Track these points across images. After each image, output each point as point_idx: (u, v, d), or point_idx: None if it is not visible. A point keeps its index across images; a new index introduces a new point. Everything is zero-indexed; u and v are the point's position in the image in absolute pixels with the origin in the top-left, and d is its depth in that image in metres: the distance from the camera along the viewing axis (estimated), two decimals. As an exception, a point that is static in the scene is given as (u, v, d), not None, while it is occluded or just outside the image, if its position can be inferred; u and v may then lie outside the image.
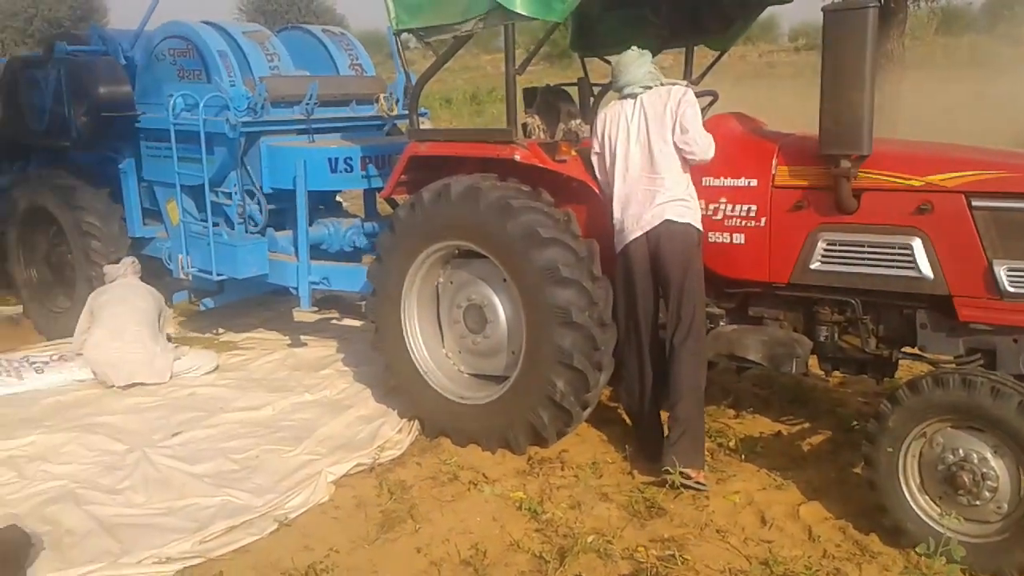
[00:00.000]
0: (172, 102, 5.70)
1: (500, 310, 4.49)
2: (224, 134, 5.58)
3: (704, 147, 4.05)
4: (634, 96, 4.18)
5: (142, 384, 5.37)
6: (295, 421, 4.87)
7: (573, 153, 4.48)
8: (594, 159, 4.39)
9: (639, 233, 4.11)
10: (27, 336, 6.72)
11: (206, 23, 6.07)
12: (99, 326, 5.44)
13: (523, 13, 4.06)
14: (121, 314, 5.46)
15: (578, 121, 5.22)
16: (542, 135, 4.99)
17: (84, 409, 5.03)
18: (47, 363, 5.60)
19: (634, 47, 4.26)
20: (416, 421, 4.77)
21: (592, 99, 5.52)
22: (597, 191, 4.41)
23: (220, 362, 5.91)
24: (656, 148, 4.08)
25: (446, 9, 4.38)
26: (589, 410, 4.40)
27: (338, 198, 7.02)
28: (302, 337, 6.48)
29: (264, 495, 3.94)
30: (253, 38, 6.06)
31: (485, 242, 4.33)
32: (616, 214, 4.22)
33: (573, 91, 5.42)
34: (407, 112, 4.88)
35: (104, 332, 5.39)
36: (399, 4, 4.59)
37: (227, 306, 6.57)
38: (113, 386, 5.34)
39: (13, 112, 6.58)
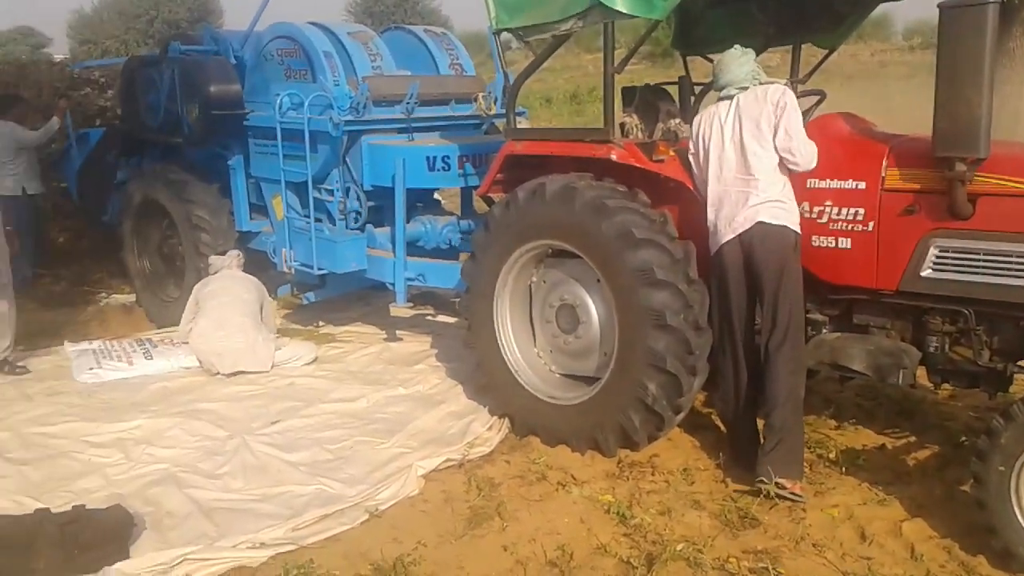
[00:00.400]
0: (279, 101, 5.87)
1: (593, 310, 4.45)
2: (327, 132, 5.73)
3: (807, 157, 3.91)
4: (731, 97, 4.08)
5: (244, 372, 5.55)
6: (388, 414, 4.95)
7: (671, 153, 4.41)
8: (691, 160, 4.31)
9: (732, 236, 4.01)
10: (139, 324, 7.04)
11: (313, 24, 6.24)
12: (204, 316, 5.65)
13: (623, 11, 4.01)
14: (225, 304, 5.65)
15: (677, 121, 5.12)
16: (640, 135, 4.92)
17: (189, 395, 5.23)
18: (156, 349, 5.86)
19: (737, 45, 4.15)
20: (506, 419, 4.78)
21: (693, 98, 5.41)
22: (694, 192, 4.33)
23: (319, 354, 6.06)
24: (750, 150, 3.96)
25: (545, 8, 4.37)
26: (682, 415, 4.32)
27: (436, 195, 7.11)
28: (398, 332, 6.58)
29: (356, 485, 4.02)
30: (357, 38, 6.19)
31: (579, 242, 4.30)
32: (710, 216, 4.13)
33: (673, 90, 5.32)
34: (505, 111, 4.88)
35: (209, 322, 5.60)
36: (499, 4, 4.60)
37: (328, 300, 6.75)
38: (217, 374, 5.53)
39: (130, 110, 6.91)
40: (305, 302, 6.47)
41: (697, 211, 4.29)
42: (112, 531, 3.24)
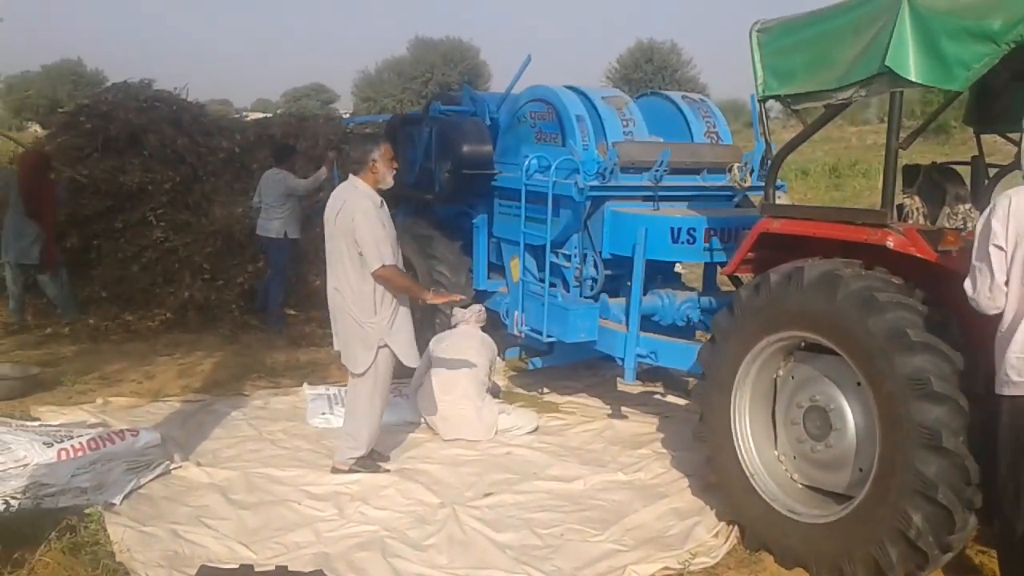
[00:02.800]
0: (527, 163, 5.80)
1: (849, 417, 3.87)
2: (571, 197, 5.57)
3: None
4: None
5: (479, 412, 5.45)
6: (604, 501, 4.59)
7: (961, 244, 3.77)
8: (992, 252, 3.33)
9: None
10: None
11: (568, 88, 6.16)
12: (434, 376, 5.61)
13: (916, 80, 3.50)
14: (455, 368, 5.58)
15: (968, 206, 4.47)
16: (922, 220, 4.32)
17: (409, 452, 5.19)
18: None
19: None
20: (735, 527, 4.26)
21: (987, 181, 4.69)
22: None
23: (542, 423, 5.85)
24: None
25: (823, 74, 3.94)
26: (950, 555, 3.61)
27: (678, 268, 6.74)
28: (623, 408, 6.23)
29: (562, 581, 3.69)
30: (611, 103, 6.03)
31: (839, 338, 3.76)
32: (1016, 342, 3.25)
33: (964, 171, 4.66)
34: (762, 184, 4.45)
35: (437, 383, 5.55)
36: (769, 69, 4.23)
37: (558, 367, 6.56)
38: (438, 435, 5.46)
39: (391, 165, 7.16)
40: (531, 367, 6.30)
41: (989, 316, 3.62)
42: (310, 596, 3.13)
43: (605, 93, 6.15)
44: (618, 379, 5.54)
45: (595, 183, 5.58)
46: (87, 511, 3.82)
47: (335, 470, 4.73)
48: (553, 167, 5.57)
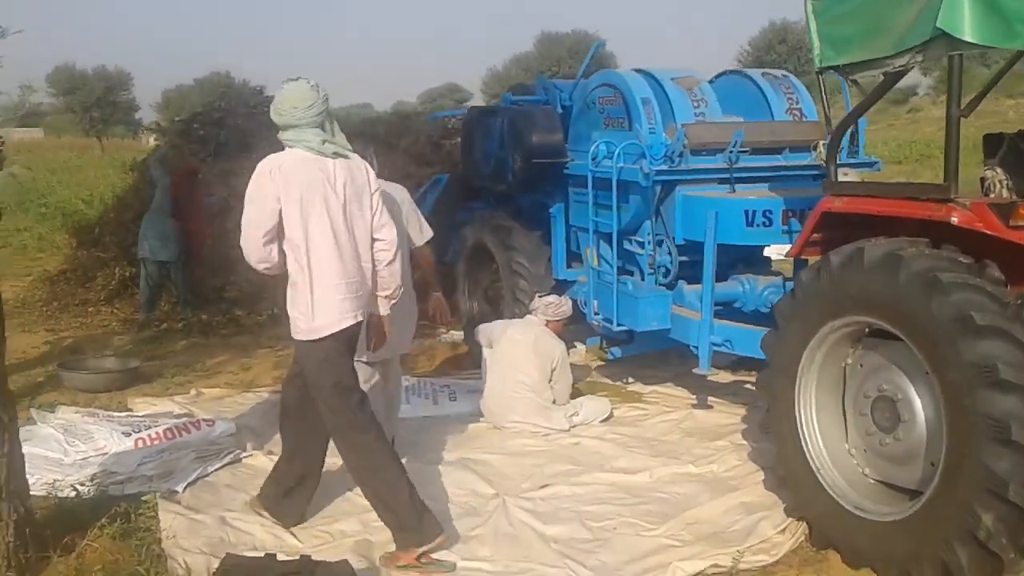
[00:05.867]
0: (593, 149, 5.69)
1: (919, 408, 3.58)
2: (637, 182, 5.42)
3: None
4: None
5: (537, 425, 5.37)
6: (668, 495, 4.45)
7: (1040, 217, 3.42)
8: None
9: None
10: (462, 362, 7.23)
11: (637, 70, 6.00)
12: (490, 365, 5.58)
13: (974, 41, 3.21)
14: (510, 357, 5.51)
15: (1062, 176, 4.04)
16: (1006, 192, 3.95)
17: (474, 442, 5.20)
18: (461, 391, 5.93)
19: None
20: (804, 524, 4.03)
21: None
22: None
23: (619, 414, 5.73)
24: None
25: (878, 41, 3.68)
26: (1030, 559, 3.29)
27: (769, 253, 6.44)
28: (709, 398, 6.02)
29: (606, 576, 3.60)
30: (681, 84, 5.82)
31: (903, 322, 3.49)
32: None
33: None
34: (825, 161, 4.19)
35: (491, 372, 5.52)
36: (825, 38, 3.99)
37: (643, 355, 6.40)
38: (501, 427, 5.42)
39: (468, 157, 7.19)
40: (611, 357, 6.18)
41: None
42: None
43: (675, 74, 5.94)
44: (694, 369, 5.34)
45: (663, 167, 5.41)
46: (144, 498, 4.02)
47: None
48: (616, 152, 5.44)
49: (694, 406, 5.91)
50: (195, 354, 7.38)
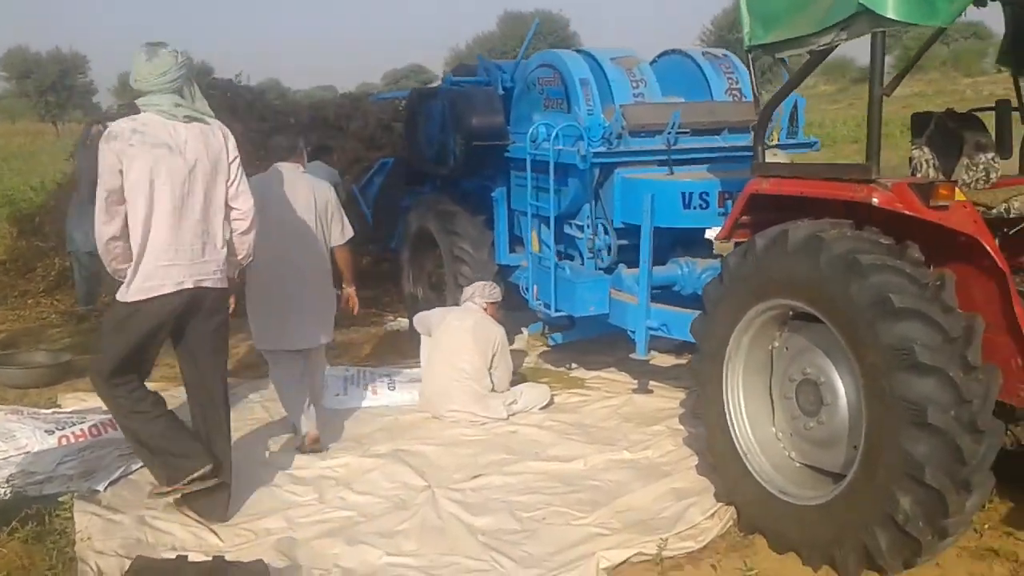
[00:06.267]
0: (531, 131, 5.59)
1: (841, 391, 3.56)
2: (575, 165, 5.34)
3: None
4: None
5: (475, 415, 5.30)
6: (601, 482, 4.40)
7: (960, 198, 3.39)
8: None
9: None
10: (405, 350, 7.13)
11: (577, 51, 5.91)
12: (429, 353, 5.50)
13: (895, 18, 3.16)
14: (448, 345, 5.44)
15: (990, 156, 4.04)
16: (932, 172, 3.93)
17: (411, 432, 5.11)
18: (400, 381, 5.84)
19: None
20: (733, 509, 4.00)
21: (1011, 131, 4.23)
22: (992, 251, 3.29)
23: (560, 400, 5.68)
24: None
25: (803, 18, 3.61)
26: (950, 540, 3.29)
27: (709, 235, 6.40)
28: (650, 383, 5.98)
29: (529, 568, 3.54)
30: (620, 64, 5.74)
31: (823, 305, 3.46)
32: None
33: (988, 118, 4.20)
34: (752, 142, 4.13)
35: (431, 361, 5.46)
36: (755, 15, 3.91)
37: (588, 340, 6.34)
38: (439, 416, 5.35)
39: (411, 140, 7.07)
40: (551, 343, 6.12)
41: (994, 276, 3.25)
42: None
43: (615, 54, 5.86)
44: (631, 355, 5.30)
45: (601, 149, 5.33)
46: (61, 499, 3.89)
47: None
48: (552, 135, 5.35)
49: (634, 391, 5.88)
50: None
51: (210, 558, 3.23)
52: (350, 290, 5.32)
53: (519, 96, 6.25)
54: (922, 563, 3.36)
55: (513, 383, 5.72)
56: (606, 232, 5.58)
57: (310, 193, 4.90)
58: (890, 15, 3.15)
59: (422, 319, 5.83)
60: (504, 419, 5.30)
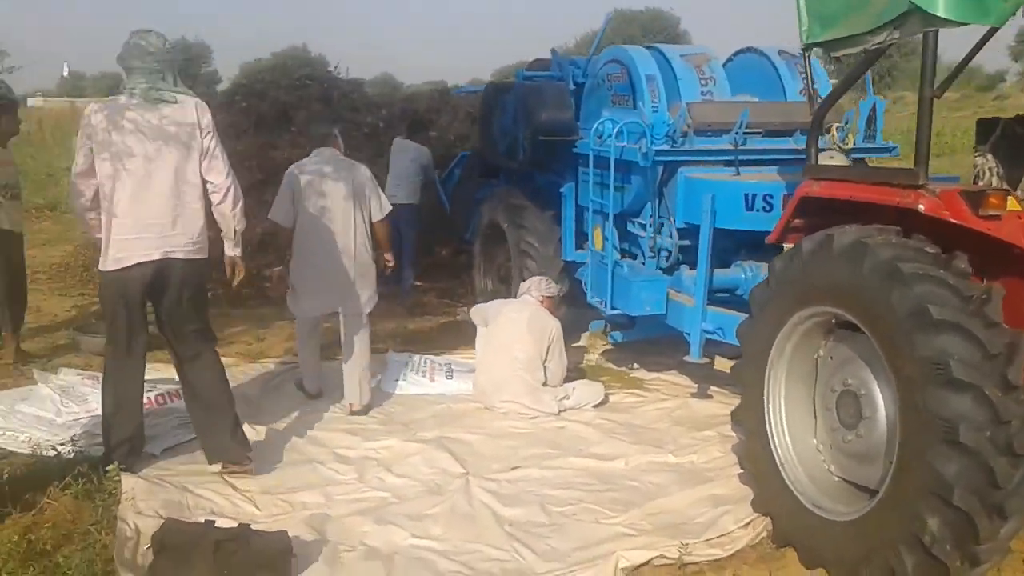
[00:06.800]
0: (596, 127, 5.58)
1: (880, 404, 3.43)
2: (637, 162, 5.29)
3: None
4: None
5: (527, 408, 5.32)
6: (640, 483, 4.36)
7: (1015, 207, 3.21)
8: None
9: None
10: (472, 340, 7.19)
11: (649, 47, 5.85)
12: (484, 343, 5.55)
13: (947, 17, 3.02)
14: (502, 337, 5.48)
15: (1065, 164, 3.81)
16: (995, 180, 3.74)
17: (460, 421, 5.18)
18: (458, 369, 5.92)
19: None
20: (768, 520, 3.91)
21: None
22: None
23: (615, 399, 5.65)
24: None
25: (858, 17, 3.50)
26: (984, 568, 3.12)
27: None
28: (711, 388, 5.87)
29: (550, 562, 3.55)
30: (690, 61, 5.66)
31: (864, 314, 3.34)
32: None
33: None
34: (807, 143, 4.01)
35: (485, 351, 5.50)
36: (813, 14, 3.81)
37: (654, 341, 6.28)
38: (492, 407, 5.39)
39: (485, 134, 7.14)
40: (611, 342, 6.08)
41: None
42: (268, 558, 3.19)
43: (686, 51, 5.78)
44: (684, 357, 5.21)
45: (664, 147, 5.27)
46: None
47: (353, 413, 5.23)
48: (614, 131, 5.32)
49: (693, 395, 5.79)
50: (215, 323, 7.49)
51: (235, 525, 3.36)
52: (388, 256, 5.69)
53: (589, 92, 6.23)
54: (955, 590, 3.20)
55: (570, 379, 5.72)
56: (669, 232, 5.51)
57: (348, 174, 5.27)
58: (940, 13, 3.02)
59: (479, 310, 5.90)
60: (555, 414, 5.31)
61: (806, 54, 3.98)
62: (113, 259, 3.99)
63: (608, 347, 6.77)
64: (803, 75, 5.58)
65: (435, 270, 9.33)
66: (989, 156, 3.72)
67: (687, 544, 3.62)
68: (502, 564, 3.53)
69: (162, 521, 3.50)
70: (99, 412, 4.81)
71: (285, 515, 3.88)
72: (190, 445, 4.54)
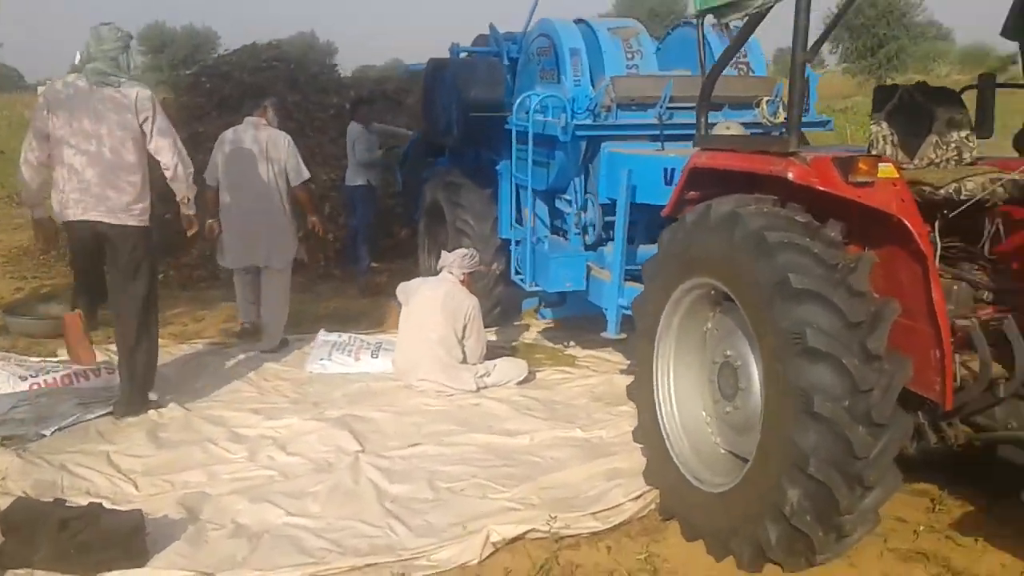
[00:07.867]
0: (517, 103, 5.49)
1: (755, 375, 3.35)
2: (558, 137, 5.21)
3: None
4: None
5: (445, 386, 5.26)
6: (541, 458, 4.31)
7: (889, 174, 3.11)
8: None
9: None
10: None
11: (578, 21, 5.75)
12: (403, 320, 5.49)
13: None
14: (419, 314, 5.41)
15: (964, 134, 3.71)
16: (890, 149, 3.64)
17: (373, 399, 5.12)
18: (384, 349, 5.85)
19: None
20: (657, 492, 3.84)
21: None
22: (915, 232, 3.02)
23: (542, 376, 5.58)
24: None
25: (741, -20, 3.39)
26: (853, 538, 3.07)
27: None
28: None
29: (424, 537, 3.49)
30: (618, 35, 5.56)
31: (734, 284, 3.27)
32: None
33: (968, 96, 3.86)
34: (696, 114, 3.92)
35: (403, 328, 5.43)
36: None
37: (594, 318, 6.20)
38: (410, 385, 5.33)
39: (427, 112, 7.05)
40: (540, 318, 6.01)
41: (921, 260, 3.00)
42: (118, 536, 3.12)
43: (614, 24, 5.68)
44: (601, 333, 5.14)
45: (586, 121, 5.19)
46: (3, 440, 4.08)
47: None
48: (532, 105, 5.24)
49: (622, 371, 5.71)
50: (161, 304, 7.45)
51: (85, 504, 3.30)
52: (314, 219, 6.36)
53: (522, 67, 6.16)
54: (825, 560, 3.14)
55: (497, 356, 5.65)
56: (593, 208, 5.43)
57: (264, 141, 5.94)
58: (810, -27, 2.93)
59: (402, 288, 5.83)
60: (473, 391, 5.24)
61: (699, 22, 3.88)
62: (59, 213, 4.61)
63: (548, 325, 6.70)
64: (751, 51, 5.60)
65: (393, 252, 9.27)
66: (884, 124, 3.61)
67: (555, 516, 3.54)
68: (371, 540, 3.47)
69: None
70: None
71: (162, 494, 3.82)
72: (86, 427, 4.50)
